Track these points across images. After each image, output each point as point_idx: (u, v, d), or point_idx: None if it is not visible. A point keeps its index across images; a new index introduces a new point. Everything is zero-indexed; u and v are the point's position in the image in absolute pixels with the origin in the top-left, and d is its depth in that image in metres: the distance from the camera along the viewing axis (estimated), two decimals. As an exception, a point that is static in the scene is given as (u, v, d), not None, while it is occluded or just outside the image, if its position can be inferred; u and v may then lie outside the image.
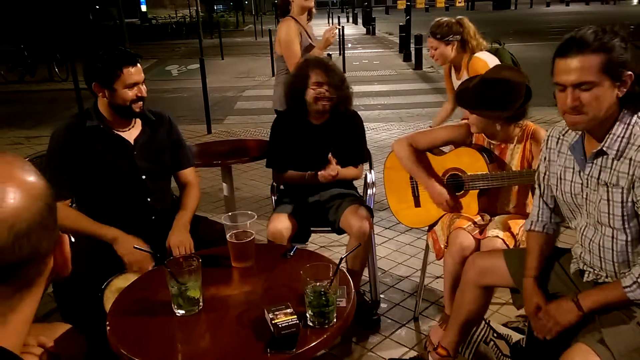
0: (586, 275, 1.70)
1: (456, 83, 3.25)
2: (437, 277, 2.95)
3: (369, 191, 2.87)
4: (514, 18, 27.38)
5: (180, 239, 2.09)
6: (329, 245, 3.45)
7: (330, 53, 10.60)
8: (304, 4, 3.40)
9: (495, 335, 2.20)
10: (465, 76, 3.09)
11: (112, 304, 1.66)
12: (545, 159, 1.76)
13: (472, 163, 2.31)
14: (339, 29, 3.55)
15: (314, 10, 3.46)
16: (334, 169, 2.50)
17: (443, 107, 3.52)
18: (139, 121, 2.24)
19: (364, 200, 2.70)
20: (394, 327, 2.57)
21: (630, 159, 1.47)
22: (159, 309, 1.58)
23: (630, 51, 1.44)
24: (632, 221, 1.51)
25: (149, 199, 2.21)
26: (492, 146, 2.35)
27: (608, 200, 1.53)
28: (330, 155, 2.51)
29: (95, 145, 2.13)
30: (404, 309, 2.73)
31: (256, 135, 6.29)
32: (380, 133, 6.28)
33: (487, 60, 2.99)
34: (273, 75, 11.48)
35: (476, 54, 3.04)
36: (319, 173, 2.52)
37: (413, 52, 12.24)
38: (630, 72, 1.44)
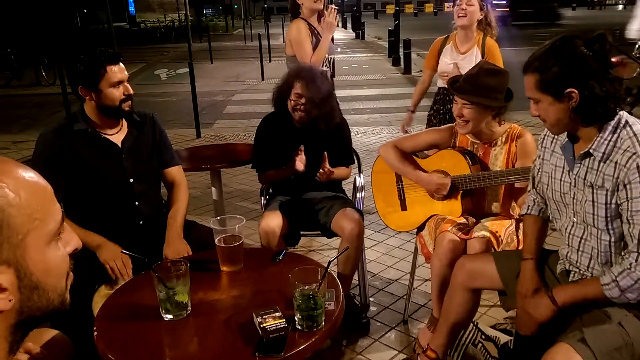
0: (572, 275, 1.73)
1: (454, 57, 3.32)
2: (426, 280, 2.97)
3: (358, 195, 2.89)
4: (501, 23, 27.55)
5: (177, 251, 2.06)
6: (319, 249, 3.45)
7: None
8: (313, 6, 3.41)
9: (483, 337, 2.21)
10: (475, 53, 3.24)
11: (99, 309, 1.65)
12: (540, 156, 1.80)
13: (454, 165, 2.33)
14: (336, 10, 3.52)
15: (326, 12, 3.44)
16: (328, 167, 2.52)
17: (421, 83, 3.61)
18: (125, 123, 2.23)
19: (354, 204, 2.71)
20: (384, 330, 2.58)
21: (616, 162, 1.50)
22: (146, 313, 1.57)
23: (580, 65, 1.48)
24: (616, 222, 1.54)
25: (136, 203, 2.20)
26: (475, 147, 2.37)
27: (593, 201, 1.56)
28: (325, 154, 2.53)
29: (83, 149, 2.11)
30: (394, 312, 2.73)
31: (246, 139, 6.28)
32: (369, 137, 6.30)
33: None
34: (262, 79, 11.51)
35: (489, 38, 3.28)
36: (297, 159, 2.52)
37: (402, 57, 12.30)
38: (571, 89, 1.49)
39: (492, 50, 3.25)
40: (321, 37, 3.40)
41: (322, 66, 3.40)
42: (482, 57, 3.24)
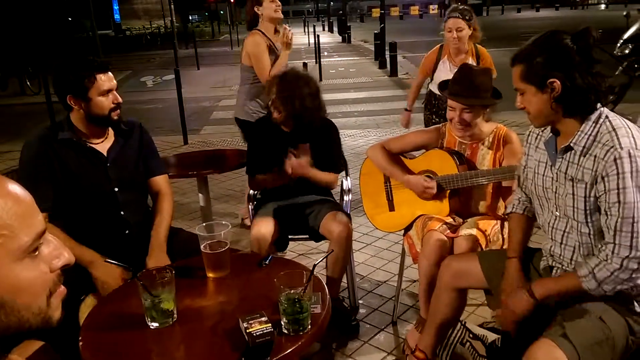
0: (554, 271, 1.75)
1: (453, 70, 3.42)
2: (414, 281, 2.98)
3: (346, 197, 2.89)
4: (486, 24, 27.61)
5: (157, 263, 2.03)
6: (308, 253, 3.45)
7: (307, 62, 10.65)
8: (274, 15, 3.45)
9: (471, 336, 2.23)
10: (470, 63, 3.35)
11: (85, 318, 1.64)
12: (525, 153, 1.84)
13: (442, 164, 2.35)
14: (289, 29, 3.56)
15: (281, 31, 3.49)
16: (301, 160, 2.47)
17: (415, 84, 3.92)
18: (111, 132, 2.22)
19: (342, 207, 2.72)
20: (373, 332, 2.59)
21: (595, 156, 1.53)
22: (132, 322, 1.56)
23: (563, 56, 1.53)
24: (595, 215, 1.57)
25: (122, 212, 2.19)
26: (463, 147, 2.39)
27: (573, 194, 1.60)
28: (306, 145, 2.50)
29: (67, 158, 2.10)
30: (383, 314, 2.74)
31: (233, 144, 6.27)
32: (357, 140, 6.32)
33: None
34: (249, 84, 11.49)
35: (478, 45, 3.51)
36: (287, 161, 2.47)
37: (388, 59, 12.37)
38: (553, 80, 1.53)
39: (485, 57, 3.51)
40: (277, 50, 3.46)
41: None
42: (477, 64, 3.41)
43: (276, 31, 3.57)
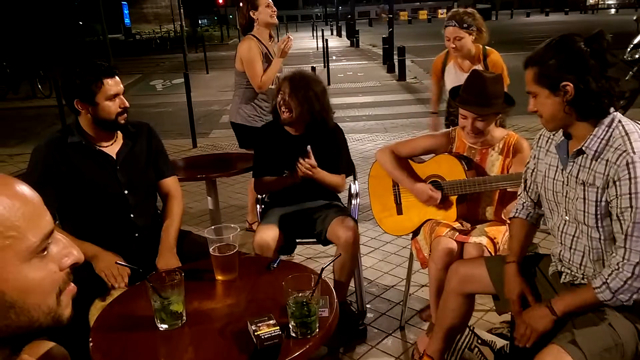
0: (563, 276, 1.74)
1: (458, 76, 3.33)
2: (423, 286, 2.97)
3: (354, 201, 2.90)
4: (495, 28, 27.69)
5: (167, 264, 2.07)
6: (315, 257, 3.46)
7: (315, 66, 10.67)
8: (269, 20, 3.48)
9: (479, 341, 2.22)
10: (478, 68, 3.19)
11: (95, 320, 1.66)
12: (534, 156, 1.83)
13: (450, 169, 2.35)
14: (292, 39, 3.58)
15: (282, 38, 3.51)
16: (311, 161, 2.47)
17: (433, 89, 3.73)
18: (120, 135, 2.24)
19: (349, 211, 2.72)
20: (381, 337, 2.58)
21: (607, 160, 1.52)
22: (142, 323, 1.57)
23: (577, 59, 1.52)
24: (605, 220, 1.56)
25: (131, 215, 2.21)
26: (472, 152, 2.39)
27: (584, 198, 1.59)
28: (308, 147, 2.49)
29: (77, 161, 2.12)
30: (390, 318, 2.74)
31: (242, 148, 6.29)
32: (365, 144, 6.32)
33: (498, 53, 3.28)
34: (258, 88, 11.53)
35: (487, 47, 3.28)
36: (298, 164, 2.46)
37: (397, 64, 12.37)
38: (566, 83, 1.52)
39: (495, 62, 3.28)
40: (271, 56, 3.48)
41: (272, 85, 3.46)
42: (486, 69, 3.25)
43: (271, 37, 3.59)
